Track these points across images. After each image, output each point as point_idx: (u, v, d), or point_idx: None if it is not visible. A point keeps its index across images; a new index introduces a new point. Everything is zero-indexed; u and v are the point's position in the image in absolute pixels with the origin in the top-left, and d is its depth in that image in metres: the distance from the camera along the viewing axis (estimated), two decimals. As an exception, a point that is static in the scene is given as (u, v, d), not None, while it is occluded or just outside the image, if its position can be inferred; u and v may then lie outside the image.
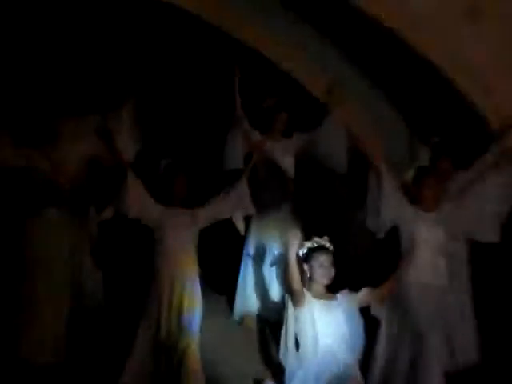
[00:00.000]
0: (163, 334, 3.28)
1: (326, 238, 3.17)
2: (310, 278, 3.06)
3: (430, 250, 3.43)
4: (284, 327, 3.36)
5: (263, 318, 4.01)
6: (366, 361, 3.25)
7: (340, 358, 2.98)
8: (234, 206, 3.52)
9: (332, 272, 3.07)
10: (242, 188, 3.54)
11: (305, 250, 3.10)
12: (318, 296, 3.04)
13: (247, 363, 3.67)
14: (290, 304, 3.23)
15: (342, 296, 3.11)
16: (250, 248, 3.99)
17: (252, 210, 3.62)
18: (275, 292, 3.95)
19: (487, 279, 3.79)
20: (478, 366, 3.58)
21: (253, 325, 3.99)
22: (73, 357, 3.52)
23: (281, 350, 3.40)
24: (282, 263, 3.46)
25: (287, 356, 3.31)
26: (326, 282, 3.06)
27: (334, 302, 3.07)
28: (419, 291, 3.37)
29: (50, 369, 3.41)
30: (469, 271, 3.70)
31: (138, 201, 3.34)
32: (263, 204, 3.91)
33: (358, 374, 3.05)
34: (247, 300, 4.01)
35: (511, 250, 3.64)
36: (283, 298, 3.65)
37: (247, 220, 3.80)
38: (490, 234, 3.53)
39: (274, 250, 3.91)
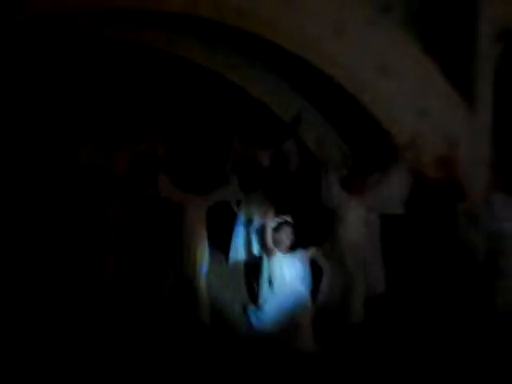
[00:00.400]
0: (185, 275, 5.17)
1: (289, 215, 5.02)
2: (277, 241, 4.83)
3: (360, 223, 5.38)
4: (261, 271, 5.19)
5: (248, 265, 5.80)
6: (314, 293, 4.97)
7: (296, 291, 4.81)
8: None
9: (292, 238, 4.83)
10: None
11: (275, 223, 4.94)
12: (282, 251, 4.83)
13: (237, 294, 5.53)
14: (264, 256, 5.11)
15: (299, 252, 4.89)
16: (240, 220, 5.83)
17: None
18: (255, 248, 5.69)
19: (392, 237, 5.80)
20: (384, 293, 5.62)
21: (241, 269, 5.84)
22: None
23: (259, 285, 5.18)
24: (260, 230, 5.29)
25: (263, 289, 5.07)
26: (288, 244, 4.82)
27: (293, 256, 4.84)
28: (348, 247, 5.32)
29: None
30: (379, 231, 5.68)
31: None
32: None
33: (308, 300, 4.86)
34: (237, 253, 5.84)
35: (410, 218, 5.62)
36: (260, 251, 5.37)
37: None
38: (396, 209, 5.51)
39: (255, 221, 5.72)
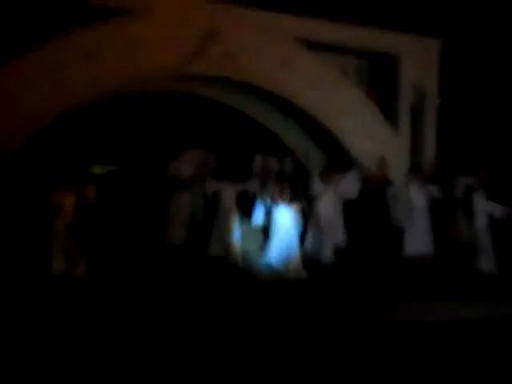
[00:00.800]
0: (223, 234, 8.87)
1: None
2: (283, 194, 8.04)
3: (330, 202, 9.18)
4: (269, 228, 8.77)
5: (264, 227, 8.79)
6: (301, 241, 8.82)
7: (291, 235, 8.17)
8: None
9: (290, 193, 8.01)
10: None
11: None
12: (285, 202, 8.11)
13: (256, 246, 9.19)
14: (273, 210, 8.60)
15: (294, 205, 7.95)
16: (259, 201, 9.50)
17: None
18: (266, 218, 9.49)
19: (350, 210, 9.70)
20: (346, 244, 9.44)
21: (259, 230, 9.16)
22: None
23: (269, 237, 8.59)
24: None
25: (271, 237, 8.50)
26: (288, 195, 8.08)
27: (290, 206, 7.85)
28: (322, 215, 9.10)
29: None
30: (341, 206, 9.51)
31: None
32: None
33: (298, 245, 8.43)
34: (257, 218, 9.44)
35: (361, 197, 9.54)
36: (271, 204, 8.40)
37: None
38: (351, 195, 9.37)
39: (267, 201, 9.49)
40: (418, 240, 9.14)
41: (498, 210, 8.38)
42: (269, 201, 8.81)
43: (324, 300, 6.65)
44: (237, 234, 8.63)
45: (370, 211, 9.71)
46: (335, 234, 9.25)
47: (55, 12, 9.35)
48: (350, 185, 9.31)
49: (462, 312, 6.17)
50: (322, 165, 9.98)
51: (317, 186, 8.97)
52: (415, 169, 10.07)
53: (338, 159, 10.29)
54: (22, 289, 6.50)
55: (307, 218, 8.81)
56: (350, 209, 9.72)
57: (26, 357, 4.51)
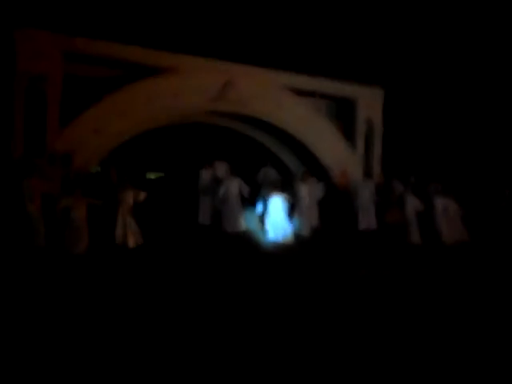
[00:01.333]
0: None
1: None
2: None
3: (307, 195, 13.61)
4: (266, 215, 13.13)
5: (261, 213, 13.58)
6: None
7: (283, 219, 12.67)
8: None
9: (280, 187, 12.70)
10: None
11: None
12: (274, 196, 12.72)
13: (259, 226, 13.45)
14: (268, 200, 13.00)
15: (284, 194, 12.75)
16: (260, 195, 13.81)
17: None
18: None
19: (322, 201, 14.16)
20: (318, 226, 13.89)
21: (259, 216, 13.72)
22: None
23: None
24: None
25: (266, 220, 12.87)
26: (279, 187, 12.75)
27: (281, 195, 12.44)
28: (301, 203, 13.47)
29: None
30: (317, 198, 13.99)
31: None
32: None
33: (289, 226, 13.07)
34: (259, 209, 13.52)
35: (329, 199, 14.13)
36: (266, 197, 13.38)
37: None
38: (321, 194, 13.88)
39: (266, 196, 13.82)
40: (369, 219, 13.55)
41: (419, 205, 12.75)
42: (267, 195, 12.47)
43: (308, 260, 10.02)
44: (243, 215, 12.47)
45: (337, 203, 14.27)
46: (312, 217, 13.27)
47: (123, 69, 12.92)
48: (317, 188, 13.64)
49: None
50: (302, 170, 14.07)
51: (298, 184, 12.88)
52: (367, 175, 14.74)
53: (315, 168, 14.77)
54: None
55: (292, 206, 12.66)
56: (324, 202, 14.21)
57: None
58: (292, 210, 12.52)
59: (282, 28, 17.87)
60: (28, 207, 9.05)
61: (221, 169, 13.31)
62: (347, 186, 14.35)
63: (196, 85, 13.15)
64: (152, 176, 14.36)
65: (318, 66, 15.45)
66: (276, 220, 11.93)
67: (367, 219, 13.50)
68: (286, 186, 12.89)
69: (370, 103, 15.43)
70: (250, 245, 11.22)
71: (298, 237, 12.04)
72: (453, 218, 12.87)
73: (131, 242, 10.07)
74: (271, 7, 17.80)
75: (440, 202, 12.85)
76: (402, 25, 18.27)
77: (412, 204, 12.72)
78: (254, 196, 13.09)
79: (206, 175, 13.28)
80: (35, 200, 9.09)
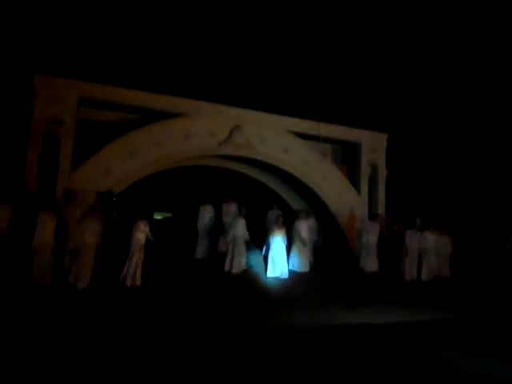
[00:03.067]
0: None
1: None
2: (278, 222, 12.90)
3: (305, 230, 13.62)
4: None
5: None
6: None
7: (281, 250, 12.69)
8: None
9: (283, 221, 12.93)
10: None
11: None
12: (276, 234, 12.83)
13: (260, 261, 13.40)
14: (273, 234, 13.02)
15: (283, 230, 12.92)
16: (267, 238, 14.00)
17: None
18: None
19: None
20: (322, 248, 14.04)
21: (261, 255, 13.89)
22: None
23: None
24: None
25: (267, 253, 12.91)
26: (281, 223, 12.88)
27: (283, 230, 12.68)
28: (301, 233, 13.55)
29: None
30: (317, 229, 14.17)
31: None
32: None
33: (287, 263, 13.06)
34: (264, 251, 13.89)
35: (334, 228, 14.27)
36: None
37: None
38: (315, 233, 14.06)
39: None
40: (372, 261, 13.51)
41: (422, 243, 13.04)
42: (270, 235, 12.66)
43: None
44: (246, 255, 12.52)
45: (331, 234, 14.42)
46: (309, 249, 13.41)
47: (136, 113, 13.56)
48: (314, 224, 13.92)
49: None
50: (304, 208, 14.21)
51: (299, 221, 13.16)
52: (371, 217, 14.89)
53: (320, 211, 15.01)
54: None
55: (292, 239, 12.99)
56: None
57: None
58: (290, 246, 12.77)
59: (288, 76, 18.57)
60: (38, 242, 9.07)
61: (230, 208, 13.46)
62: (354, 227, 14.55)
63: (205, 129, 13.54)
64: (159, 216, 14.62)
65: (324, 112, 15.90)
66: (276, 257, 12.18)
67: (370, 259, 13.51)
68: (286, 223, 12.97)
69: (373, 148, 15.86)
70: (249, 282, 11.30)
71: (295, 273, 12.31)
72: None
73: (129, 282, 9.87)
74: (279, 56, 18.53)
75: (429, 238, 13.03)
76: (405, 73, 18.96)
77: (416, 241, 12.86)
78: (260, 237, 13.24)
79: (204, 211, 13.49)
80: (47, 235, 9.17)
